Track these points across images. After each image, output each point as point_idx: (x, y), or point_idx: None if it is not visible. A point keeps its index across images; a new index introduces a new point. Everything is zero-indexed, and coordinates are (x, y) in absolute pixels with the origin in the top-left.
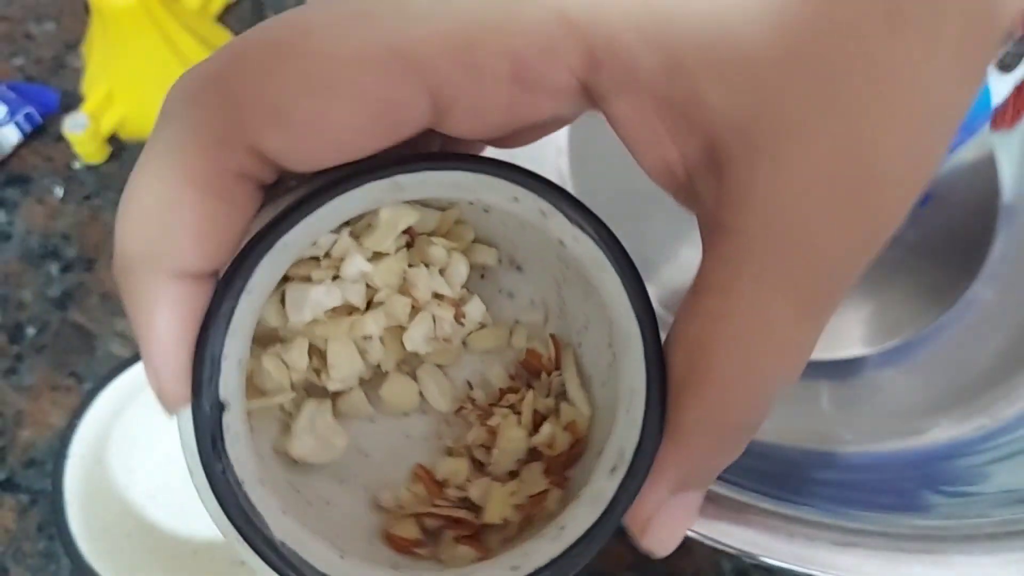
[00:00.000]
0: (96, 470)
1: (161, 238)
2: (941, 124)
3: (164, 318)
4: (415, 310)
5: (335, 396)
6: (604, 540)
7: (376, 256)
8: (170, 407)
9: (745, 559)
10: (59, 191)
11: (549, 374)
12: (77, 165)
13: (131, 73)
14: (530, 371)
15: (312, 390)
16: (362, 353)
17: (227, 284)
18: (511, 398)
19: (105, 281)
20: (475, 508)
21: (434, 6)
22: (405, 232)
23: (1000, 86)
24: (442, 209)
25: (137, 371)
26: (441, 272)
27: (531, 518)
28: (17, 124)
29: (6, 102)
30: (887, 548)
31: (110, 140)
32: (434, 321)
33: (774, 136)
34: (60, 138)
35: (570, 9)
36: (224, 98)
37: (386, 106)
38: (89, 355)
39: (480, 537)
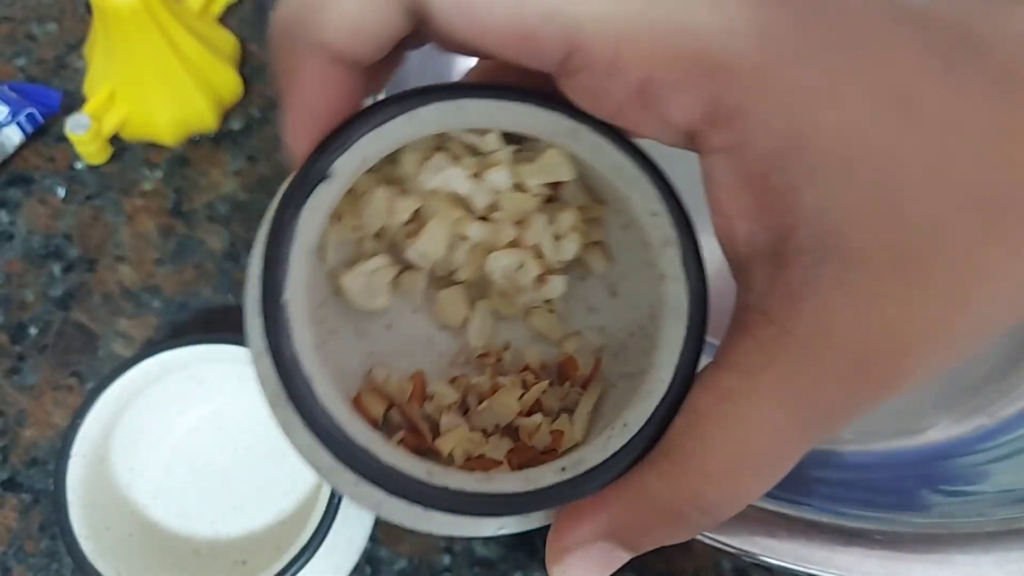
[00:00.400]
0: (98, 470)
1: (316, 9)
2: (995, 328)
3: (304, 76)
4: (514, 246)
5: (403, 269)
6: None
7: (517, 186)
8: (295, 157)
9: (745, 558)
10: (61, 191)
11: (572, 386)
12: (79, 165)
13: (133, 74)
14: (560, 373)
15: (392, 252)
16: (450, 248)
17: (340, 131)
18: (528, 378)
19: (107, 281)
20: (435, 432)
21: None
22: (554, 185)
23: None
24: (597, 201)
25: (139, 371)
26: (555, 238)
27: (471, 471)
28: (19, 124)
29: (8, 103)
30: (886, 547)
31: (112, 140)
32: (518, 268)
33: (846, 264)
34: (62, 138)
35: (714, 53)
36: None
37: (526, 36)
38: (91, 355)
39: (421, 456)
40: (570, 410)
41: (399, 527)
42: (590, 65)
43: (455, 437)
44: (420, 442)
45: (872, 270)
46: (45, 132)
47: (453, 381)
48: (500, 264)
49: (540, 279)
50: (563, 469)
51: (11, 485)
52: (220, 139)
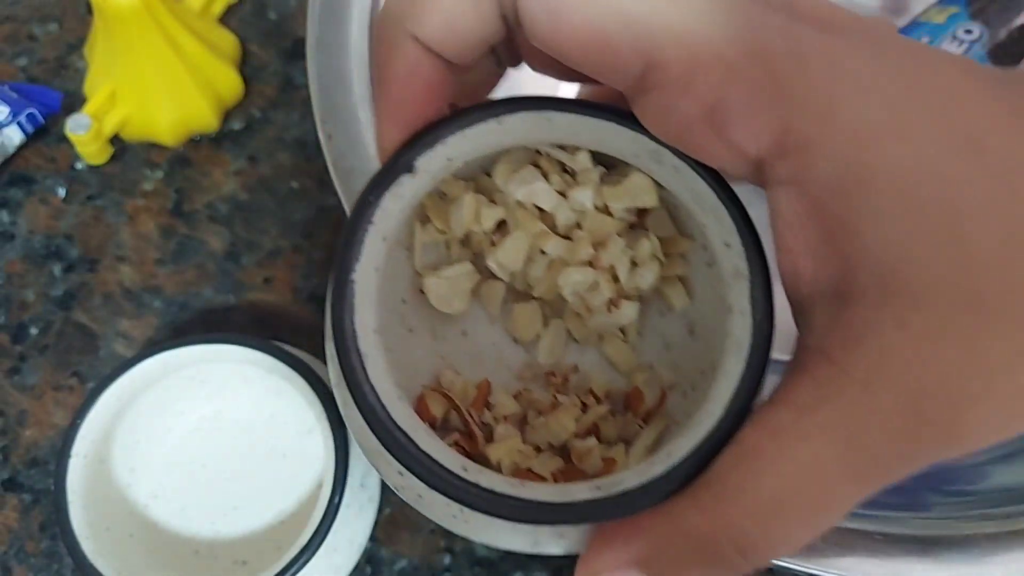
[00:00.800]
0: (99, 470)
1: (416, 5)
2: None
3: (398, 66)
4: (590, 266)
5: (485, 278)
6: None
7: (602, 208)
8: (382, 148)
9: None
10: (62, 191)
11: (635, 416)
12: (80, 165)
13: (134, 74)
14: (625, 403)
15: (476, 260)
16: (529, 262)
17: (422, 136)
18: (591, 401)
19: (108, 281)
20: (489, 440)
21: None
22: (640, 213)
23: None
24: (682, 235)
25: (140, 371)
26: (634, 263)
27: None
28: (20, 125)
29: (9, 103)
30: (887, 548)
31: (112, 141)
32: (592, 288)
33: (909, 305)
34: (63, 139)
35: (787, 80)
36: None
37: (605, 43)
38: (92, 355)
39: (471, 461)
40: (629, 441)
41: (400, 533)
42: (665, 82)
43: (505, 447)
44: (472, 447)
45: (935, 312)
46: (46, 132)
47: (517, 395)
48: (572, 280)
49: (612, 303)
50: (598, 488)
51: (11, 485)
52: (221, 139)
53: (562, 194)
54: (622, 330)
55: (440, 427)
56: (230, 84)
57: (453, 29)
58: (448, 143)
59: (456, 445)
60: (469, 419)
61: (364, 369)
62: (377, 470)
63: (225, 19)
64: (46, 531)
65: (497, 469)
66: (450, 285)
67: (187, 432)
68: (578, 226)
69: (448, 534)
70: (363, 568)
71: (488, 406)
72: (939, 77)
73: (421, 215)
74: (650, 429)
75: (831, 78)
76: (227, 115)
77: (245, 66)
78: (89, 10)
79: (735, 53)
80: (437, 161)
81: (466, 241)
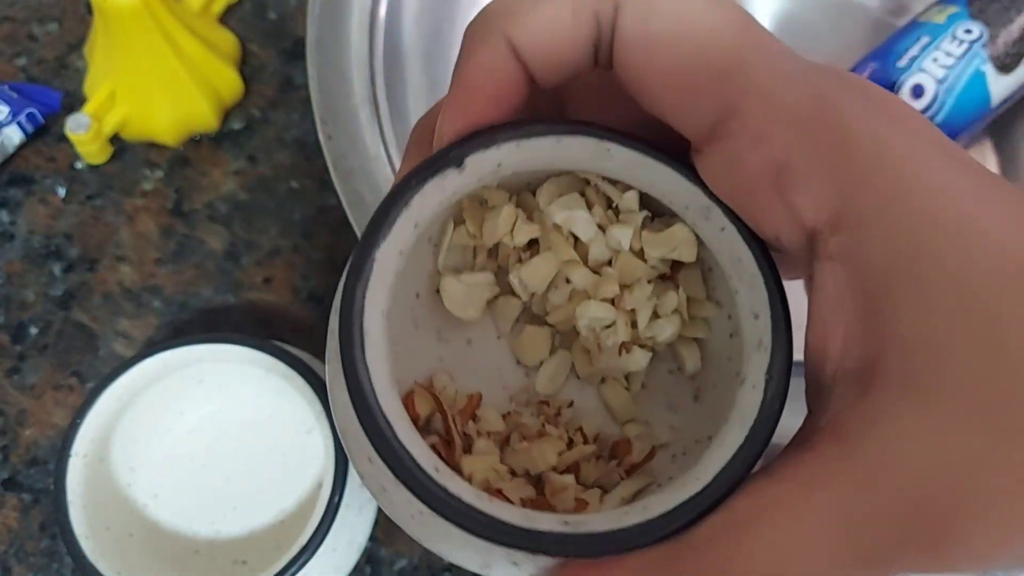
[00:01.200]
0: (99, 469)
1: (515, 10)
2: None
3: (482, 61)
4: (612, 304)
5: (504, 293)
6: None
7: (637, 252)
8: (440, 134)
9: None
10: (61, 191)
11: (619, 466)
12: (79, 165)
13: (133, 74)
14: (611, 451)
15: (499, 274)
16: (551, 287)
17: (473, 138)
18: (579, 439)
19: (108, 281)
20: (467, 451)
21: (784, 57)
22: (674, 267)
23: (999, 86)
24: (711, 300)
25: (139, 371)
26: (656, 314)
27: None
28: (20, 124)
29: (9, 102)
30: None
31: (112, 140)
32: (608, 327)
33: (932, 402)
34: (62, 138)
35: (860, 154)
36: None
37: (692, 88)
38: (92, 354)
39: (451, 464)
40: (606, 489)
41: (400, 533)
42: (738, 133)
43: (481, 462)
44: (448, 454)
45: (957, 414)
46: (46, 132)
47: (505, 416)
48: (590, 314)
49: (625, 347)
50: (566, 523)
51: (11, 485)
52: (221, 139)
53: (601, 228)
54: (627, 377)
55: (422, 427)
56: (230, 84)
57: (546, 42)
58: (503, 148)
59: (433, 448)
60: (452, 426)
61: (363, 346)
62: (348, 453)
63: (225, 19)
64: (46, 530)
65: (468, 482)
66: (468, 291)
67: (187, 431)
68: (609, 264)
69: None
70: (363, 568)
71: (474, 418)
72: (1005, 196)
73: (456, 215)
74: (630, 482)
75: (904, 165)
76: (227, 115)
77: (245, 66)
78: (89, 10)
79: (814, 119)
80: (488, 164)
81: (494, 252)
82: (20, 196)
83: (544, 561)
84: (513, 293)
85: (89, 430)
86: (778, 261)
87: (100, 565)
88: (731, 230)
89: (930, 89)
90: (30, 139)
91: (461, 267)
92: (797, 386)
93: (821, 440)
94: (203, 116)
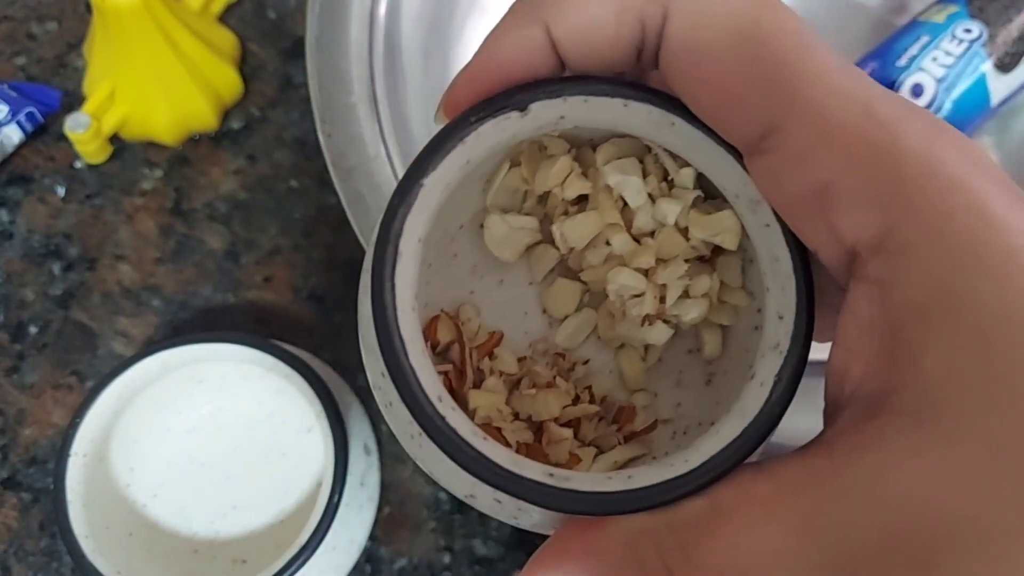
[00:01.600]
0: (98, 469)
1: (561, 1)
2: None
3: (514, 42)
4: (644, 275)
5: (543, 241)
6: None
7: (682, 230)
8: (444, 110)
9: None
10: (61, 190)
11: (618, 431)
12: (79, 164)
13: (132, 73)
14: (615, 414)
15: (544, 223)
16: (589, 246)
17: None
18: (584, 398)
19: (107, 280)
20: (476, 386)
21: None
22: (715, 251)
23: (999, 86)
24: (745, 290)
25: (139, 370)
26: (686, 294)
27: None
28: (19, 123)
29: (8, 101)
30: None
31: (111, 140)
32: (636, 297)
33: (936, 441)
34: (62, 137)
35: (909, 182)
36: None
37: (740, 100)
38: (91, 354)
39: (452, 395)
40: (601, 450)
41: (400, 532)
42: (783, 149)
43: (487, 398)
44: (459, 384)
45: (966, 450)
46: (45, 131)
47: (520, 360)
48: (620, 280)
49: (648, 319)
50: (551, 475)
51: (11, 484)
52: (220, 138)
53: (651, 198)
54: (645, 348)
55: (438, 354)
56: (229, 83)
57: (587, 39)
58: (569, 102)
59: (444, 376)
60: (467, 358)
61: (394, 266)
62: (365, 366)
63: (224, 18)
64: (45, 530)
65: (471, 415)
66: (509, 232)
67: (186, 431)
68: (651, 235)
69: (448, 533)
70: (362, 567)
71: (491, 356)
72: None
73: (514, 156)
74: (626, 448)
75: (956, 194)
76: (226, 114)
77: (244, 65)
78: (88, 9)
79: (862, 137)
80: (552, 113)
81: (543, 200)
82: (19, 195)
83: (523, 505)
84: (553, 244)
85: (88, 429)
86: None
87: (99, 564)
88: (775, 228)
89: (929, 88)
90: (29, 138)
91: (509, 208)
92: (816, 386)
93: (813, 452)
94: (202, 115)
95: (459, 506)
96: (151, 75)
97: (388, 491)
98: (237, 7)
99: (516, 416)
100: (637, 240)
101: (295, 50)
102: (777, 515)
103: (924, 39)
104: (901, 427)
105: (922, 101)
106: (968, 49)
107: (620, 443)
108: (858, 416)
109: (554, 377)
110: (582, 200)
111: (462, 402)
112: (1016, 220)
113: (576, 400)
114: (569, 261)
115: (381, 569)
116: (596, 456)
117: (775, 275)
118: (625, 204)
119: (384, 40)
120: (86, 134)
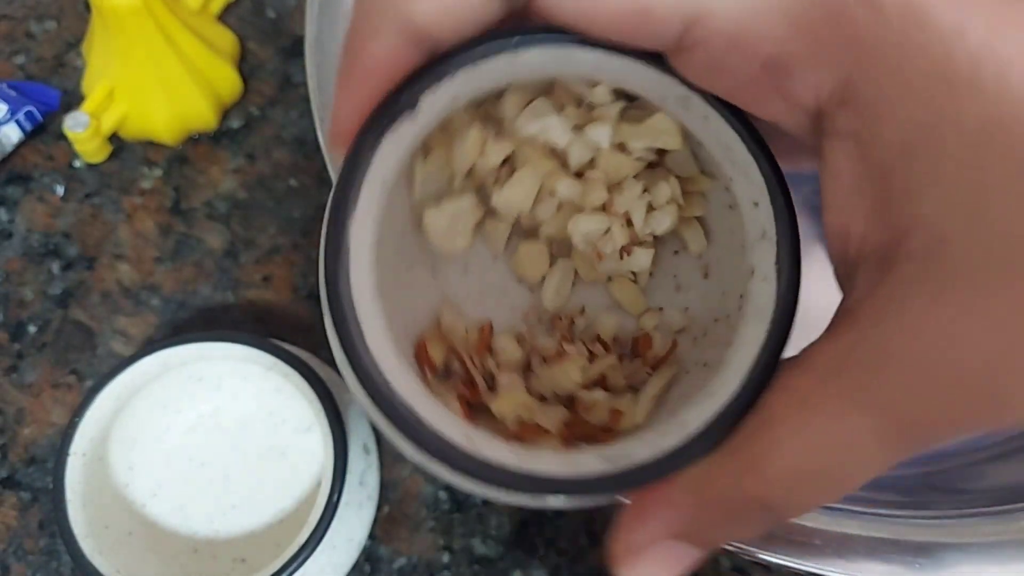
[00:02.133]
0: (97, 468)
1: None
2: None
3: (376, 46)
4: (603, 211)
5: (488, 213)
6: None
7: (619, 146)
8: (332, 140)
9: (744, 556)
10: (60, 189)
11: (643, 364)
12: (78, 163)
13: (132, 72)
14: (633, 348)
15: (480, 194)
16: (537, 202)
17: (436, 64)
18: (598, 349)
19: (106, 279)
20: (491, 388)
21: None
22: (660, 152)
23: None
24: (704, 173)
25: (138, 369)
26: (650, 207)
27: (521, 438)
28: (18, 123)
29: (7, 100)
30: (886, 547)
31: (111, 139)
32: (604, 235)
33: (953, 278)
34: (61, 137)
35: (852, 27)
36: None
37: (640, 13)
38: (90, 353)
39: (472, 410)
40: (636, 388)
41: (399, 531)
42: (708, 39)
43: (510, 400)
44: (473, 394)
45: (980, 288)
46: (44, 130)
47: (520, 339)
48: (584, 228)
49: (625, 250)
50: (607, 459)
51: (10, 483)
52: (219, 137)
53: (578, 128)
54: (633, 272)
55: (441, 373)
56: (229, 82)
57: (448, 12)
58: (457, 78)
59: (458, 395)
60: (471, 366)
61: (348, 278)
62: (340, 369)
63: (224, 17)
64: (45, 529)
65: (501, 423)
66: (451, 220)
67: (186, 430)
68: (592, 164)
69: (447, 532)
70: (362, 566)
71: (490, 350)
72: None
73: (424, 147)
74: (658, 377)
75: (908, 26)
76: (226, 113)
77: (244, 64)
78: (87, 8)
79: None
80: (443, 100)
81: (470, 174)
82: (18, 194)
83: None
84: (499, 214)
85: (88, 429)
86: (781, 149)
87: (99, 564)
88: (714, 117)
89: None
90: (28, 137)
91: (440, 195)
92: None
93: (841, 325)
94: (202, 114)
95: (458, 505)
96: (150, 74)
97: (387, 490)
98: (236, 6)
99: (543, 398)
100: (580, 175)
101: (294, 49)
102: (831, 404)
103: None
104: (917, 276)
105: None
106: None
107: (650, 374)
108: (872, 277)
109: (560, 344)
110: (510, 159)
111: (486, 413)
112: (971, 22)
113: (591, 356)
114: (523, 223)
115: (380, 568)
116: (635, 398)
117: (733, 163)
118: (554, 147)
119: None
120: (85, 133)
